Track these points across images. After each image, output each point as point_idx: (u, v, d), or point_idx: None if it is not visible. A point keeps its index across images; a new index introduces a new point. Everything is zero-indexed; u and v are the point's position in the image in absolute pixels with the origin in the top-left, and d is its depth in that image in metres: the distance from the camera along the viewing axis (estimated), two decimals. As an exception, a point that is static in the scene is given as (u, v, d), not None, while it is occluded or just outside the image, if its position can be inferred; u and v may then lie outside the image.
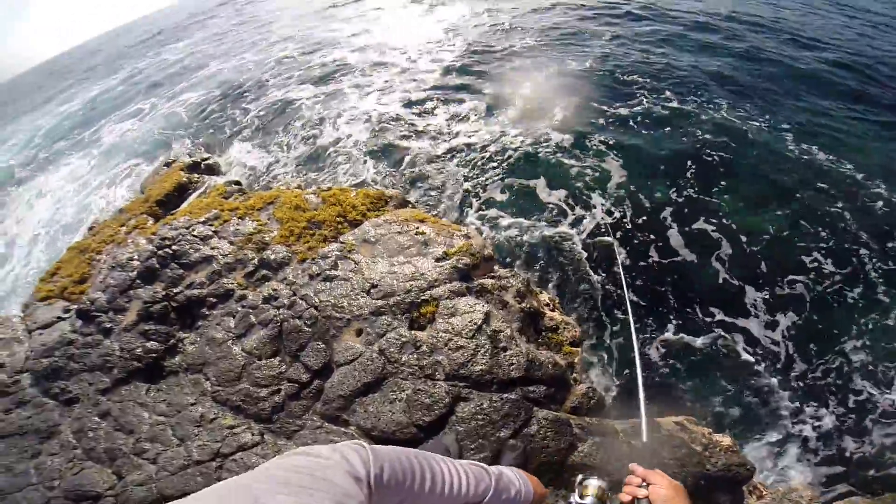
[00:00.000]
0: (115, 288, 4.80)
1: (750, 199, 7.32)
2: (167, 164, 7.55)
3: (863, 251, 6.45)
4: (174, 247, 4.89)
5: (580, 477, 1.57)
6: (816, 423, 4.80)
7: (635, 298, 5.93)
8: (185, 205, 5.58)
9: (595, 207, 7.34)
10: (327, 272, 4.27)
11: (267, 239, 4.72)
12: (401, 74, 13.50)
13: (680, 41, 13.47)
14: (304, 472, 0.77)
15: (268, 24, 26.67)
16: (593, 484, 1.52)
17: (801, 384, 5.13)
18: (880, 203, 7.14)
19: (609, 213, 7.22)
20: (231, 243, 4.80)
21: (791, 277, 6.11)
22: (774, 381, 5.08)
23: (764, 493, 3.83)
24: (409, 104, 11.37)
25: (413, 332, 3.69)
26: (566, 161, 8.36)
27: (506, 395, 3.35)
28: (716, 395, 5.02)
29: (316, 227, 4.71)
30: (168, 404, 3.89)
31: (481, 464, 1.31)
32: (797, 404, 4.94)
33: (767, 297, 5.88)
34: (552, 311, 4.33)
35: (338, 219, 4.75)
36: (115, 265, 4.94)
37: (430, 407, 3.22)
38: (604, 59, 12.35)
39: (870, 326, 5.56)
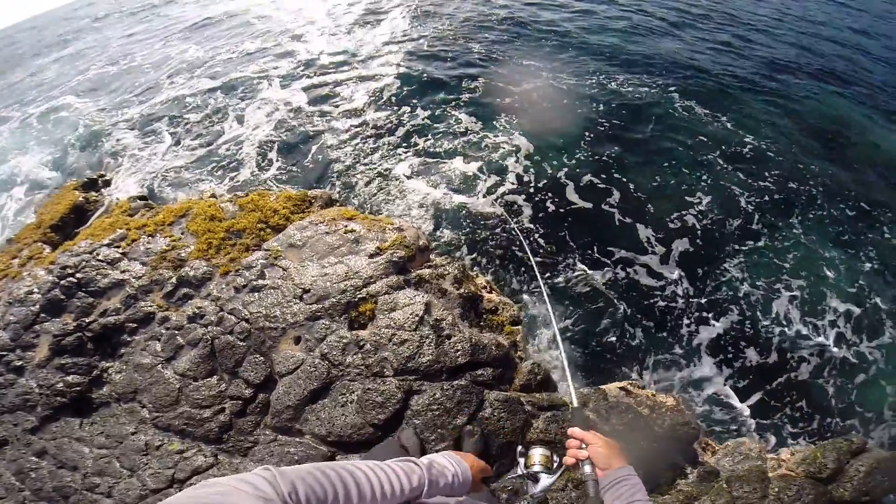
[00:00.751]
0: (17, 324, 4.41)
1: (640, 155, 8.14)
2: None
3: (736, 189, 7.53)
4: (78, 274, 4.56)
5: (520, 448, 1.68)
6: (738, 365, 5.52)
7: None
8: (85, 227, 5.16)
9: (507, 177, 7.79)
10: (254, 283, 4.22)
11: (183, 255, 4.54)
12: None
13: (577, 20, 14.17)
14: (200, 501, 0.75)
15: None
16: (537, 452, 1.61)
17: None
18: (748, 148, 8.26)
19: (520, 181, 7.71)
20: (144, 264, 4.56)
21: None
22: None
23: (716, 448, 4.19)
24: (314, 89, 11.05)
25: (354, 332, 3.77)
26: (477, 138, 8.69)
27: (456, 382, 3.50)
28: (647, 349, 5.61)
29: (236, 236, 4.59)
30: (107, 436, 3.74)
31: (411, 458, 1.32)
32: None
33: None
34: (489, 293, 4.57)
35: (259, 225, 4.66)
36: (13, 300, 4.51)
37: (383, 404, 3.35)
38: (509, 42, 12.74)
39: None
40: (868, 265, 6.62)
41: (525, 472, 1.58)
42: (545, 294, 2.79)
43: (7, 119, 14.40)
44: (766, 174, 8.01)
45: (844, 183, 7.96)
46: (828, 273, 6.44)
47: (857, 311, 5.99)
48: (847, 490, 3.72)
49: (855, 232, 7.08)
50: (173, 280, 4.39)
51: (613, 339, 5.67)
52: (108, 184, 7.26)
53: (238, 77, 12.60)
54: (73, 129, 11.91)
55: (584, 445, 1.49)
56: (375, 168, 8.08)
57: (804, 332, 5.82)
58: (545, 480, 1.55)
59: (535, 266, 3.37)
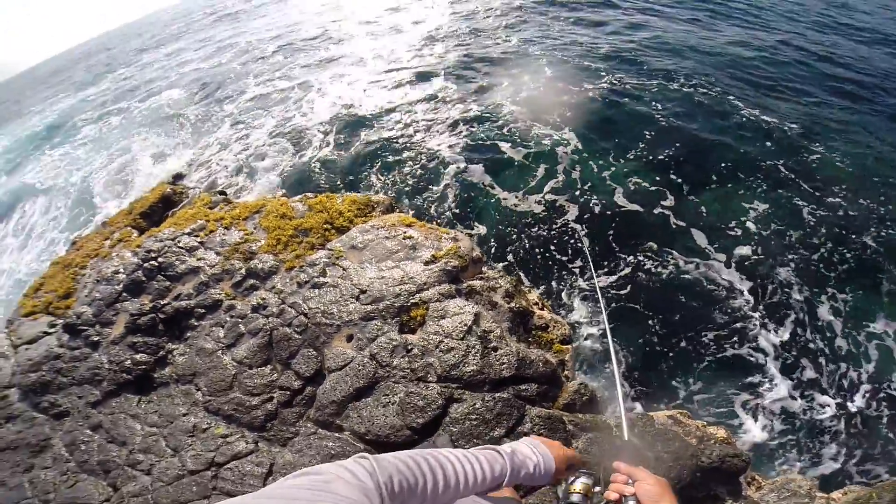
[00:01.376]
0: (101, 301, 4.79)
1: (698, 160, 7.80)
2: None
3: (797, 200, 7.12)
4: (160, 259, 4.90)
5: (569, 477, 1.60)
6: (810, 406, 5.02)
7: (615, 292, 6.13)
8: (170, 216, 5.58)
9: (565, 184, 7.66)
10: (315, 279, 4.33)
11: (254, 248, 4.76)
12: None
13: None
14: (304, 489, 0.76)
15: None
16: (580, 480, 1.51)
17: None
18: (815, 156, 7.69)
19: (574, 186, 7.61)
20: (218, 254, 4.83)
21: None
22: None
23: (763, 483, 3.89)
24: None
25: (403, 335, 3.74)
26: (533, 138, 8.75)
27: (498, 395, 3.41)
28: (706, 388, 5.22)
29: (303, 234, 4.76)
30: (160, 415, 3.91)
31: (492, 446, 1.30)
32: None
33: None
34: (541, 309, 4.42)
35: (325, 226, 4.81)
36: (101, 279, 4.92)
37: (423, 409, 3.28)
38: (564, 48, 12.83)
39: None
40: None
41: (564, 498, 1.47)
42: (605, 325, 2.59)
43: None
44: (835, 188, 7.45)
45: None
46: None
47: None
48: None
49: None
50: (242, 271, 4.60)
51: (665, 360, 5.38)
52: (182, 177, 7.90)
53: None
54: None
55: (630, 481, 1.37)
56: (449, 181, 8.23)
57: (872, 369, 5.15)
58: None
59: (598, 290, 3.24)
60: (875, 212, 7.09)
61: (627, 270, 6.37)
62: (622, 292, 6.11)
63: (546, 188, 7.71)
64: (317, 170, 8.99)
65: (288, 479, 0.81)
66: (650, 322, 5.75)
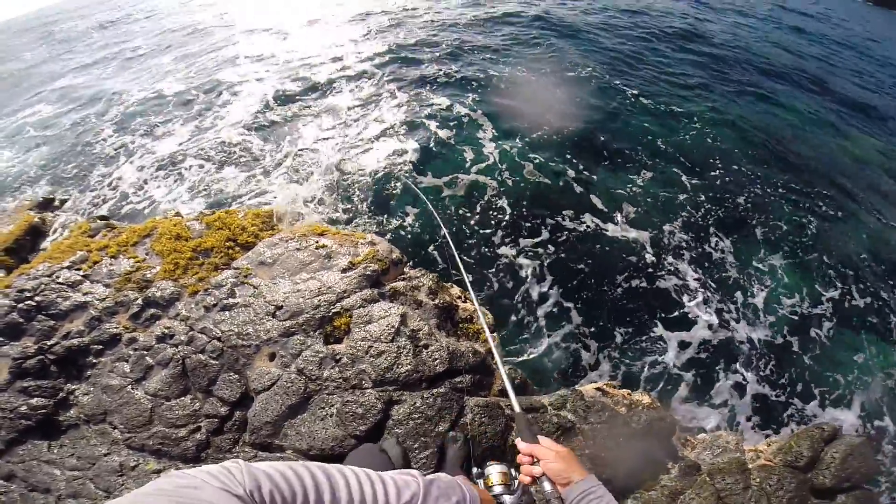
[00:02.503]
0: (-30, 351, 4.28)
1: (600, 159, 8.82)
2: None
3: (678, 170, 8.17)
4: (37, 297, 4.45)
5: (476, 470, 1.61)
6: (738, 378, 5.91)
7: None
8: (42, 251, 5.01)
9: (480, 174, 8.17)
10: (224, 301, 4.27)
11: (149, 276, 4.52)
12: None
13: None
14: (169, 494, 0.75)
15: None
16: (495, 471, 1.53)
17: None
18: (690, 133, 8.92)
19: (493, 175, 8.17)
20: (107, 286, 4.51)
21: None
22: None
23: (695, 442, 4.37)
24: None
25: (330, 346, 3.88)
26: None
27: (436, 391, 3.63)
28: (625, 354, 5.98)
29: (204, 255, 4.62)
30: (78, 458, 3.69)
31: (412, 471, 1.20)
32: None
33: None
34: (464, 302, 4.73)
35: (227, 244, 4.70)
36: (-35, 326, 4.37)
37: (363, 416, 3.48)
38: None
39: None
40: (813, 259, 7.49)
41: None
42: (473, 297, 2.61)
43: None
44: (709, 160, 9.03)
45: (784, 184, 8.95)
46: (780, 275, 7.16)
47: (804, 308, 6.67)
48: (826, 477, 3.93)
49: (799, 236, 7.87)
50: (139, 301, 4.37)
51: (589, 323, 6.09)
52: (64, 203, 7.00)
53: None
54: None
55: (536, 461, 1.40)
56: (346, 172, 8.24)
57: (761, 322, 6.42)
58: (508, 502, 1.46)
59: (461, 268, 2.90)
60: (744, 177, 8.75)
61: (545, 236, 7.10)
62: (545, 257, 6.81)
63: (464, 172, 8.23)
64: (218, 183, 8.38)
65: (154, 483, 0.80)
66: (571, 285, 6.46)
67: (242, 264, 4.53)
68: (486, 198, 7.65)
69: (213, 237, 4.73)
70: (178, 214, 5.15)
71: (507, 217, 7.33)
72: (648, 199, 7.92)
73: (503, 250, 6.84)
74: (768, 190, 8.63)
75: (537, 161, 8.43)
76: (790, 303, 6.70)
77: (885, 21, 43.80)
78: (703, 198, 8.11)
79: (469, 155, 8.53)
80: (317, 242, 4.62)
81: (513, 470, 1.52)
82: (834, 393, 5.79)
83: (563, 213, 7.48)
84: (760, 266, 7.13)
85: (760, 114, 11.46)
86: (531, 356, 5.64)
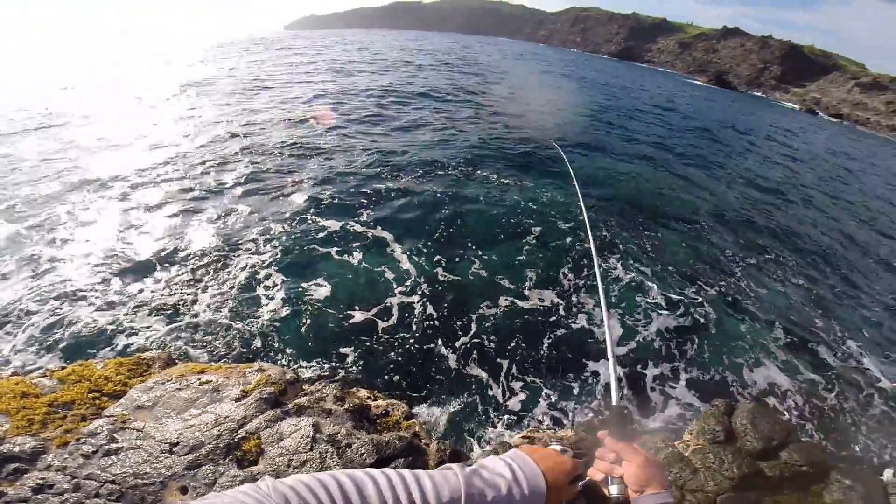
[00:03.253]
0: None
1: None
2: None
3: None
4: None
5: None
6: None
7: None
8: None
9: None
10: (106, 447, 3.96)
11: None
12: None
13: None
14: None
15: None
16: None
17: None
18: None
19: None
20: (-82, 461, 3.63)
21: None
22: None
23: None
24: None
25: (246, 468, 3.89)
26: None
27: None
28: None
29: (65, 409, 4.21)
30: None
31: (454, 465, 1.13)
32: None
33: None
34: (375, 400, 5.06)
35: (91, 395, 4.38)
36: None
37: None
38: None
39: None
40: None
41: None
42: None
43: None
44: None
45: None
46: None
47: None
48: (751, 442, 4.36)
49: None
50: (-15, 463, 3.66)
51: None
52: None
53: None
54: None
55: (618, 461, 1.31)
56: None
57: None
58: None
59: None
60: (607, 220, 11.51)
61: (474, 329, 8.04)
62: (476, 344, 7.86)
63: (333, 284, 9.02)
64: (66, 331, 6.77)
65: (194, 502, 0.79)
66: (502, 357, 7.76)
67: (117, 411, 4.28)
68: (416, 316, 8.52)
69: (71, 391, 4.36)
70: (15, 373, 4.50)
71: (437, 323, 8.23)
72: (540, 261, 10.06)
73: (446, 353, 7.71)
74: (629, 221, 13.46)
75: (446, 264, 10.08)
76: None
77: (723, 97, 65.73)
78: (576, 252, 11.01)
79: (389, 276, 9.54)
80: (199, 379, 4.66)
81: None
82: (720, 374, 8.01)
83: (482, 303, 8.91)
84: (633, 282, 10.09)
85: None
86: (476, 428, 6.33)
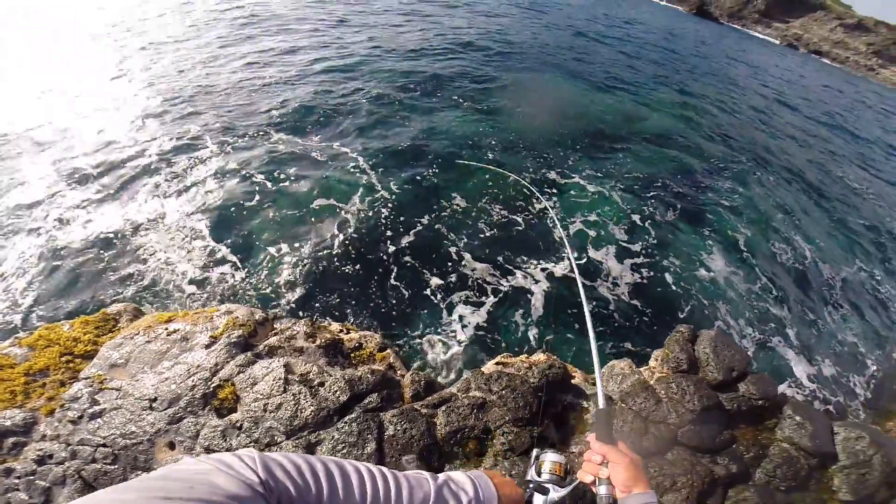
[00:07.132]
0: None
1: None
2: None
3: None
4: None
5: (535, 451, 1.54)
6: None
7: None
8: None
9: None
10: (90, 411, 4.25)
11: (-17, 412, 4.18)
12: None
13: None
14: (181, 479, 0.75)
15: None
16: (549, 459, 1.47)
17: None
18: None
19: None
20: (-79, 442, 4.00)
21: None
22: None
23: (594, 378, 4.48)
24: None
25: (225, 417, 4.13)
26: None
27: (348, 418, 3.85)
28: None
29: (42, 376, 4.47)
30: None
31: (426, 472, 1.22)
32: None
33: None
34: (347, 333, 5.02)
35: (64, 359, 4.59)
36: None
37: None
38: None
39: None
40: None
41: (535, 478, 1.47)
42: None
43: None
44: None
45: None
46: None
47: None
48: (713, 371, 4.35)
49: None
50: (-15, 437, 4.04)
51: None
52: None
53: None
54: None
55: (605, 462, 1.37)
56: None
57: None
58: (554, 494, 1.42)
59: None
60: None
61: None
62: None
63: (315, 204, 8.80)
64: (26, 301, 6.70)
65: (167, 467, 0.80)
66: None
67: (92, 372, 4.49)
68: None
69: (43, 356, 4.54)
70: (-15, 345, 4.64)
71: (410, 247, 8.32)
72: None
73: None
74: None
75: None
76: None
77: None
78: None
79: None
80: (167, 329, 4.77)
81: (569, 465, 1.49)
82: (681, 301, 8.26)
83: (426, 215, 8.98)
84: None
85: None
86: (438, 356, 6.36)
